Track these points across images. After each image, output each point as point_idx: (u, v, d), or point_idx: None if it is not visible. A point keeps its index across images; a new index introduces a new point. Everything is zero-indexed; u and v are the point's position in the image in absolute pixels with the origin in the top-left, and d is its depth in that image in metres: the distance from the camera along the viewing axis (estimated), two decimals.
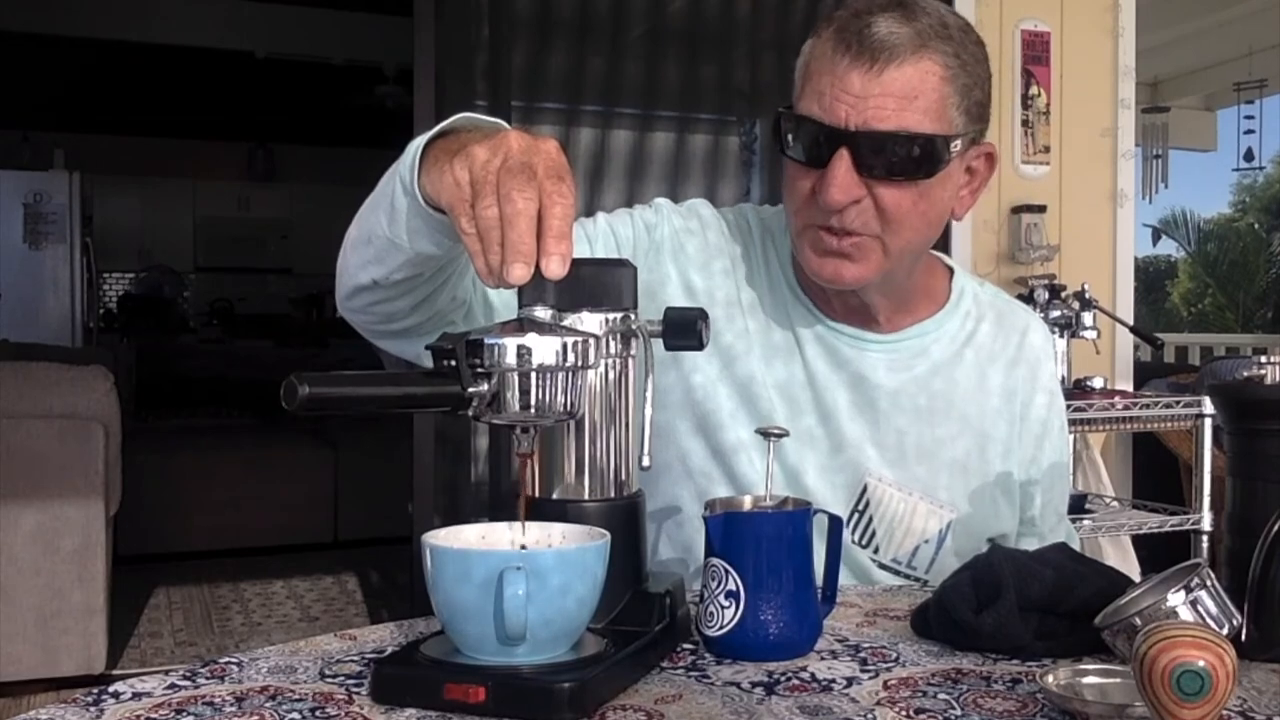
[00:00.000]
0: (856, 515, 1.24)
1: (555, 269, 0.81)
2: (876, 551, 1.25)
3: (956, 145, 1.15)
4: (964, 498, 1.27)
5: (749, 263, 1.29)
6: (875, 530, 1.25)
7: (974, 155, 1.20)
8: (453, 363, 0.82)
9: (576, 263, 0.83)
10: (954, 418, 1.28)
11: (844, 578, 1.17)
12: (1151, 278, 16.41)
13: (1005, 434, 1.30)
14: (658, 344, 0.96)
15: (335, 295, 1.16)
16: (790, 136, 1.16)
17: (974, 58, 1.16)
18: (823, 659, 0.93)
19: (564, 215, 0.82)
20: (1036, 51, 3.68)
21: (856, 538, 1.24)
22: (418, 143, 0.95)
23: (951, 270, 1.35)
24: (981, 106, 1.18)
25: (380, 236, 1.02)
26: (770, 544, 0.94)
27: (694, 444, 1.24)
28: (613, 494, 0.94)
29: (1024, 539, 1.32)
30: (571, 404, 0.85)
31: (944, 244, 3.44)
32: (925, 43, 1.12)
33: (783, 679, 0.88)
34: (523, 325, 0.85)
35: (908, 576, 1.26)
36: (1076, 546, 1.19)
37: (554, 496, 0.94)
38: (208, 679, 0.87)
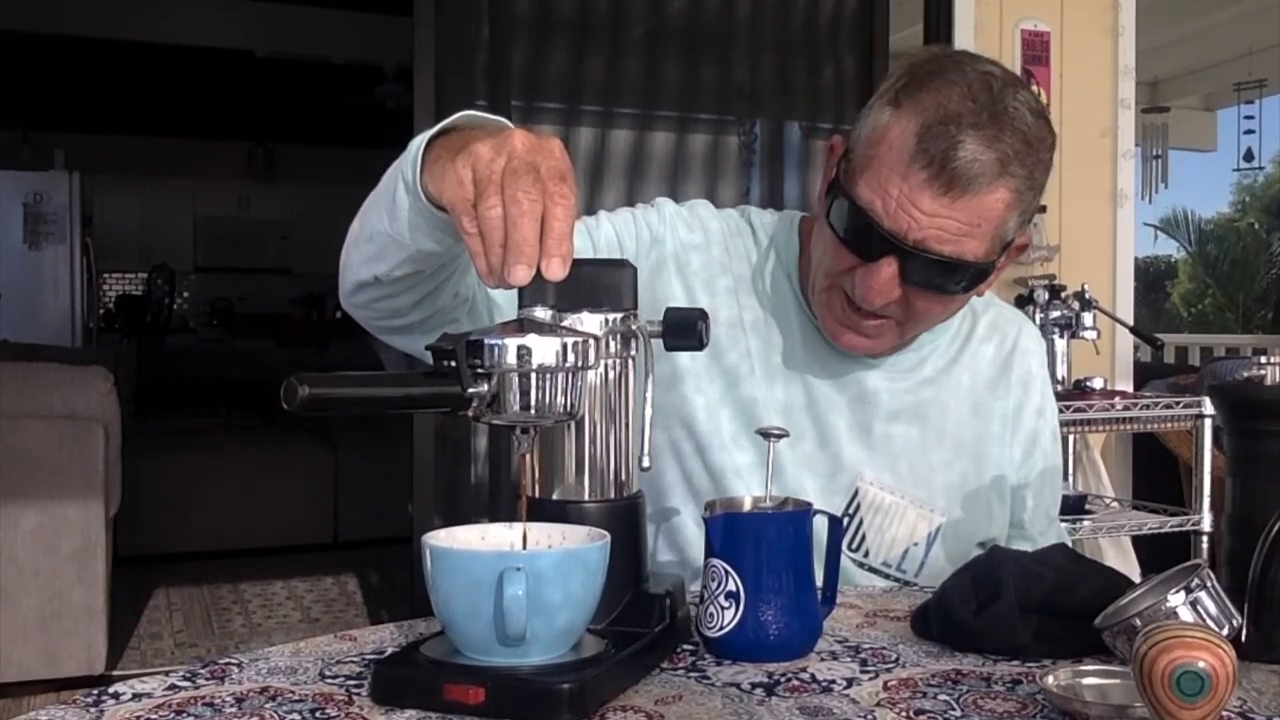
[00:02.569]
0: (847, 519, 1.24)
1: (556, 270, 0.81)
2: (866, 555, 1.25)
3: (1001, 259, 1.16)
4: (956, 504, 1.28)
5: (752, 278, 1.29)
6: (865, 534, 1.25)
7: (1012, 248, 1.19)
8: (453, 363, 0.82)
9: (576, 263, 0.83)
10: (951, 438, 1.28)
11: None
12: (1151, 278, 16.39)
13: (998, 441, 1.31)
14: (659, 354, 0.96)
15: (339, 291, 1.16)
16: (843, 215, 1.15)
17: (1044, 166, 1.14)
18: (823, 660, 0.93)
19: (566, 216, 0.81)
20: (1036, 51, 3.68)
21: (846, 541, 1.24)
22: (420, 140, 0.95)
23: None
24: (1035, 209, 1.17)
25: (381, 233, 1.02)
26: (770, 545, 0.94)
27: (696, 465, 1.24)
28: (613, 495, 0.94)
29: (1014, 542, 1.32)
30: (571, 405, 0.85)
31: None
32: (1005, 169, 1.10)
33: (783, 680, 0.88)
34: (523, 326, 0.85)
35: (897, 580, 1.26)
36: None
37: (554, 497, 0.94)
38: (208, 680, 0.87)
